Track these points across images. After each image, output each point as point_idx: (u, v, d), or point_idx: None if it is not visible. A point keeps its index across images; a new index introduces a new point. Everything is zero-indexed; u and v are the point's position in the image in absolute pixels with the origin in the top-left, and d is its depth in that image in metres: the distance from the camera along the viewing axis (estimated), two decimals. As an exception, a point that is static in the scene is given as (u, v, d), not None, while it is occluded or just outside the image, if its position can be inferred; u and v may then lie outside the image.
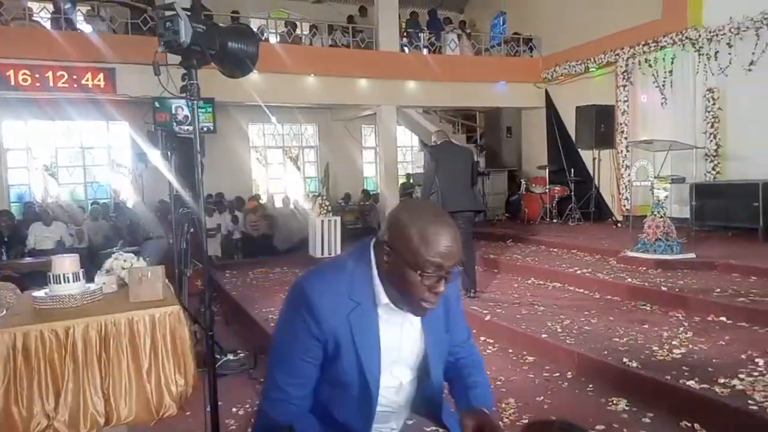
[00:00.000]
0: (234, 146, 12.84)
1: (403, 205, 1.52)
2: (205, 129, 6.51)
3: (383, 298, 1.47)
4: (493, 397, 1.67)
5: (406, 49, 12.03)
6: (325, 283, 1.47)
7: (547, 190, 10.91)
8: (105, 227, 9.54)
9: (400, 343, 1.54)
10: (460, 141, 13.93)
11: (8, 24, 9.25)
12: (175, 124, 6.53)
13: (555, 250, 7.71)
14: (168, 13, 2.36)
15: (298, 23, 11.90)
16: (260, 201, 12.01)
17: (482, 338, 4.56)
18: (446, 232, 1.38)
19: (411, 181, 13.60)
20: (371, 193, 13.20)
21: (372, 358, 1.47)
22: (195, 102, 2.56)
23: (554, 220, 10.63)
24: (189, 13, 2.32)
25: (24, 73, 8.84)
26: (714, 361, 3.52)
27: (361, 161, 15.11)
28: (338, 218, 9.19)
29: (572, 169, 10.74)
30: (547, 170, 11.20)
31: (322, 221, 8.91)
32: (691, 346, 3.84)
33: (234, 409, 3.72)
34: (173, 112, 6.47)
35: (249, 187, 13.38)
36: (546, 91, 12.36)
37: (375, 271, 1.47)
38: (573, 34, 11.33)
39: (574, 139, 10.75)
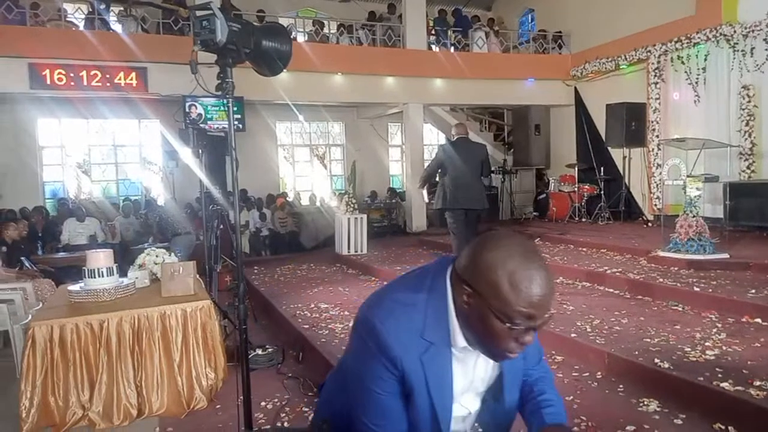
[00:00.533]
0: (262, 144, 12.97)
1: (489, 239, 1.30)
2: (234, 127, 6.55)
3: (460, 340, 1.35)
4: (567, 415, 1.59)
5: (434, 47, 11.99)
6: (396, 320, 1.32)
7: (576, 189, 10.78)
8: (136, 223, 9.73)
9: (473, 377, 1.45)
10: (488, 139, 13.87)
11: (44, 25, 9.49)
12: (188, 122, 6.61)
13: (584, 249, 7.61)
14: (204, 12, 2.40)
15: (325, 22, 11.96)
16: (287, 198, 12.11)
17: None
18: (540, 278, 1.21)
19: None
20: (397, 191, 13.19)
21: (445, 400, 1.38)
22: (231, 100, 2.60)
23: (583, 219, 10.50)
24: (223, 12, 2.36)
25: (59, 73, 9.06)
26: (749, 363, 3.44)
27: (387, 159, 15.12)
28: (364, 216, 9.21)
29: (602, 168, 10.59)
30: (576, 169, 11.07)
31: (349, 219, 8.95)
32: (724, 347, 3.75)
33: (263, 404, 3.75)
34: (187, 110, 6.55)
35: (276, 184, 13.50)
36: (575, 88, 12.21)
37: (452, 309, 1.33)
38: (603, 30, 11.17)
39: (604, 137, 10.60)
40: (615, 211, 10.24)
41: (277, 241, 10.64)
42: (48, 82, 9.01)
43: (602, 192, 10.37)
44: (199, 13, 2.41)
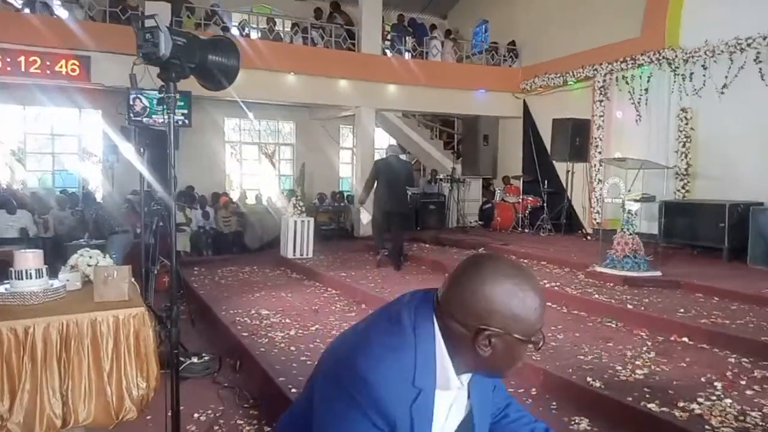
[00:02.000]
0: (209, 140, 12.69)
1: (483, 277, 1.25)
2: (179, 123, 6.39)
3: (453, 380, 1.30)
4: None
5: (388, 52, 12.03)
6: (388, 369, 1.23)
7: (520, 200, 11.03)
8: (71, 218, 9.33)
9: (446, 418, 1.38)
10: (438, 147, 14.03)
11: (-20, 5, 9.00)
12: (132, 115, 6.41)
13: (526, 261, 7.78)
14: (148, 24, 2.31)
15: (278, 20, 11.81)
16: (231, 198, 11.89)
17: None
18: (536, 288, 1.25)
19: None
20: (346, 194, 13.16)
21: None
22: (172, 115, 2.53)
23: (526, 230, 10.75)
24: (168, 26, 2.28)
25: (-5, 57, 8.60)
26: (675, 383, 3.59)
27: (337, 161, 15.07)
28: (311, 219, 9.14)
29: (546, 181, 10.87)
30: (522, 180, 11.32)
31: (295, 221, 8.85)
32: (653, 366, 3.90)
33: (196, 415, 3.66)
34: (131, 103, 6.36)
35: (222, 182, 13.24)
36: (524, 101, 12.50)
37: (441, 350, 1.28)
38: (553, 46, 11.48)
39: (549, 150, 10.88)
40: (556, 223, 10.54)
41: (220, 241, 10.43)
42: (-17, 66, 8.55)
43: (545, 204, 10.65)
44: (147, 24, 2.33)
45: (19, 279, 3.70)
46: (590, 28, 10.71)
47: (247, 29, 11.26)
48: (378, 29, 11.62)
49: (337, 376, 1.26)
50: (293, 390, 3.66)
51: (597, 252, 7.01)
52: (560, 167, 10.84)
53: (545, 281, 6.35)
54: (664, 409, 3.16)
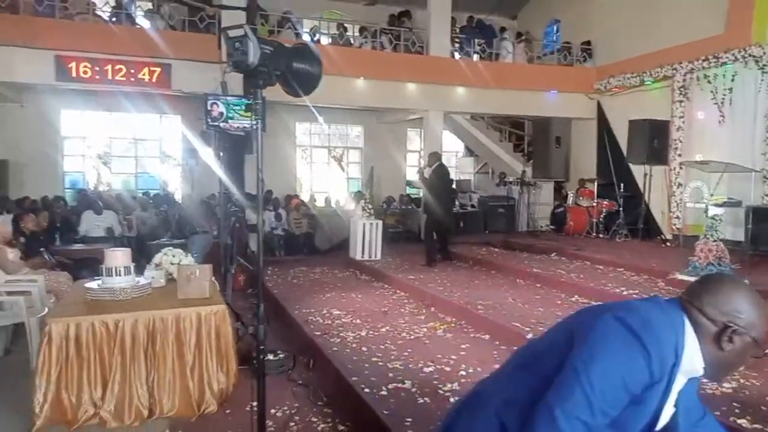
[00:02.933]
0: (281, 145, 13.01)
1: (735, 285, 1.54)
2: (254, 127, 6.58)
3: (697, 363, 1.48)
4: None
5: (457, 55, 11.95)
6: (663, 324, 1.44)
7: (594, 204, 10.67)
8: (153, 218, 9.79)
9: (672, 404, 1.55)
10: (507, 149, 13.85)
11: (73, 18, 9.59)
12: (210, 120, 6.65)
13: (600, 267, 7.53)
14: (237, 33, 2.40)
15: (348, 26, 11.97)
16: (302, 200, 12.13)
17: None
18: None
19: (454, 186, 13.53)
20: (413, 197, 13.16)
21: (664, 418, 1.47)
22: (260, 121, 2.62)
23: (600, 235, 10.39)
24: (254, 27, 2.36)
25: (85, 66, 9.15)
26: (767, 398, 3.37)
27: (404, 164, 15.10)
28: (380, 222, 9.19)
29: (622, 184, 10.47)
30: (596, 183, 10.96)
31: (364, 224, 8.93)
32: (742, 380, 3.68)
33: (272, 411, 3.74)
34: (208, 108, 6.60)
35: (293, 185, 13.54)
36: (598, 102, 12.11)
37: (690, 342, 1.47)
38: (629, 45, 11.07)
39: (625, 153, 10.49)
40: (633, 228, 10.12)
41: (291, 242, 10.66)
42: (73, 74, 9.11)
43: (621, 208, 10.26)
44: (231, 33, 2.42)
45: (109, 276, 3.93)
46: (669, 25, 10.25)
47: (317, 35, 11.49)
48: (446, 32, 11.57)
49: (619, 318, 1.41)
50: (366, 390, 3.69)
51: (678, 259, 6.69)
52: (637, 170, 10.42)
53: (622, 289, 6.12)
54: (756, 426, 2.98)
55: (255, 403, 3.66)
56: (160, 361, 3.63)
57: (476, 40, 12.29)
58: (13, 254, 5.78)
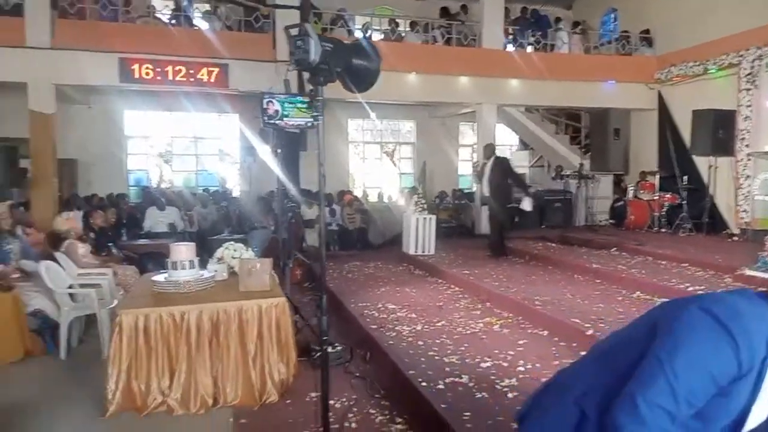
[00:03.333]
0: (334, 141, 13.13)
1: None
2: (309, 124, 6.68)
3: None
4: None
5: (511, 47, 11.76)
6: (752, 315, 1.35)
7: (656, 197, 10.31)
8: (214, 213, 10.09)
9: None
10: (564, 141, 13.57)
11: (134, 21, 9.97)
12: (266, 118, 6.76)
13: (663, 262, 7.28)
14: (297, 31, 2.45)
15: (400, 21, 11.96)
16: (355, 195, 12.23)
17: (582, 353, 4.39)
18: None
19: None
20: (466, 192, 13.07)
21: (756, 416, 1.37)
22: (321, 117, 2.67)
23: (662, 230, 10.04)
24: (315, 21, 2.39)
25: (147, 67, 9.49)
26: None
27: (456, 159, 15.00)
28: (434, 216, 9.15)
29: (685, 176, 10.08)
30: (657, 176, 10.59)
31: (417, 219, 8.93)
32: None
33: (331, 402, 3.79)
34: (264, 106, 6.72)
35: (346, 180, 13.66)
36: (659, 92, 11.69)
37: None
38: (691, 32, 10.63)
39: (688, 144, 10.09)
40: (697, 222, 9.72)
41: (345, 237, 10.77)
42: (136, 76, 9.46)
43: (684, 202, 9.87)
44: (293, 32, 2.46)
45: (174, 269, 4.08)
46: (734, 11, 9.76)
47: (370, 31, 11.53)
48: (500, 24, 11.40)
49: (705, 309, 1.34)
50: (423, 383, 3.70)
51: (745, 254, 6.39)
52: (701, 162, 10.02)
53: (687, 284, 5.90)
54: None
55: (314, 394, 3.76)
56: (224, 352, 3.75)
57: (531, 31, 12.05)
58: (83, 249, 6.08)
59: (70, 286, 5.16)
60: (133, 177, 12.72)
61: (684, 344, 1.31)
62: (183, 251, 4.11)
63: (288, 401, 3.83)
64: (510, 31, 11.95)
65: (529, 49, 11.96)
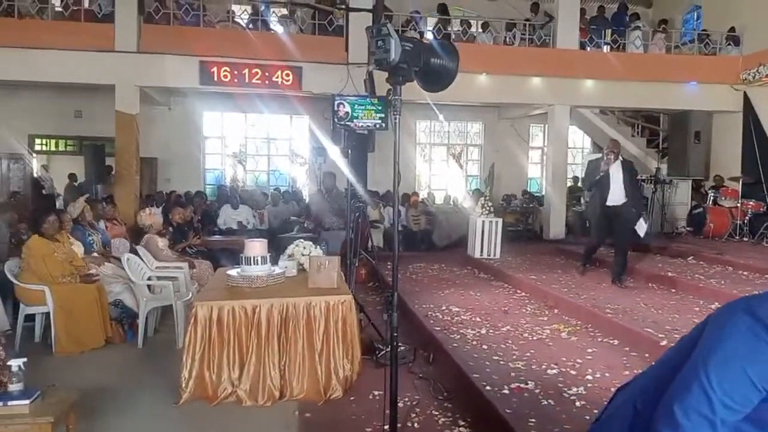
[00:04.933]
0: (401, 142, 13.19)
1: None
2: (377, 126, 6.75)
3: None
4: None
5: (588, 47, 11.42)
6: None
7: (738, 204, 9.76)
8: (284, 212, 10.35)
9: None
10: (640, 145, 13.09)
11: (214, 26, 10.38)
12: (336, 120, 6.88)
13: (745, 273, 6.89)
14: (379, 32, 2.49)
15: (472, 21, 11.87)
16: (421, 197, 12.21)
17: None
18: None
19: (579, 185, 13.01)
20: (535, 195, 12.81)
21: None
22: (399, 116, 2.71)
23: (745, 239, 9.49)
24: (390, 21, 2.43)
25: (225, 70, 9.84)
26: None
27: (526, 161, 14.73)
28: (500, 220, 9.04)
29: (772, 183, 9.50)
30: (741, 182, 10.03)
31: (483, 221, 8.84)
32: None
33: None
34: (335, 108, 6.85)
35: (412, 182, 13.69)
36: (745, 93, 11.05)
37: None
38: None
39: (777, 149, 9.51)
40: (783, 231, 9.14)
41: (409, 238, 10.78)
42: (215, 78, 9.83)
43: (769, 209, 9.30)
44: (374, 32, 2.51)
45: (248, 264, 4.23)
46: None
47: (441, 33, 11.50)
48: (575, 23, 11.10)
49: (748, 309, 1.28)
50: (487, 387, 3.67)
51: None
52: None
53: (772, 297, 5.55)
54: None
55: (377, 392, 3.81)
56: (292, 346, 3.85)
57: (607, 31, 11.68)
58: (162, 243, 6.40)
59: (149, 279, 5.45)
60: (209, 176, 13.24)
61: (719, 347, 1.26)
62: (256, 247, 4.26)
63: (352, 398, 3.89)
64: (587, 31, 11.62)
65: (606, 48, 11.60)
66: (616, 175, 6.55)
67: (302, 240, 4.89)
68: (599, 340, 4.82)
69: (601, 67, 10.83)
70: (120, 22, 9.47)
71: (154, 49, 9.51)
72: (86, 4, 10.09)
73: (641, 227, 6.73)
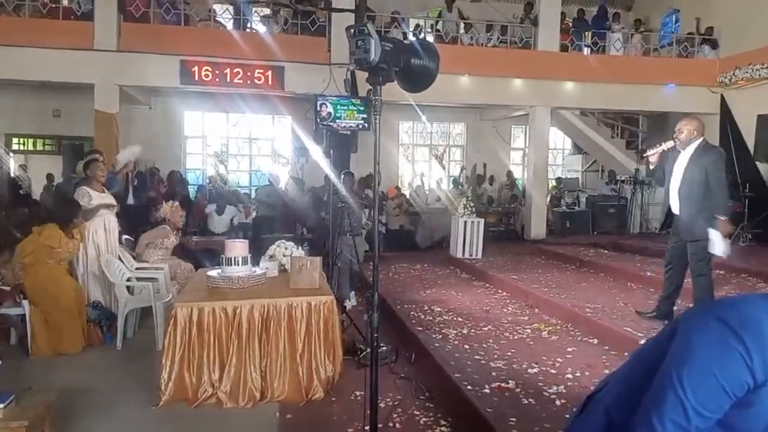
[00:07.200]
0: (383, 143, 13.12)
1: None
2: (360, 126, 6.75)
3: None
4: None
5: (569, 49, 11.52)
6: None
7: (714, 205, 9.91)
8: (267, 213, 10.24)
9: None
10: (620, 146, 13.24)
11: (196, 25, 10.29)
12: (319, 120, 6.88)
13: (722, 272, 6.95)
14: (358, 31, 2.49)
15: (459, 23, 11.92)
16: (402, 192, 12.20)
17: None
18: None
19: (561, 185, 13.17)
20: (516, 195, 12.90)
21: None
22: (379, 116, 2.71)
23: (722, 239, 9.64)
24: (376, 25, 2.43)
25: (206, 69, 9.78)
26: None
27: (507, 162, 14.82)
28: (482, 220, 9.09)
29: (746, 184, 9.65)
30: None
31: (466, 222, 8.88)
32: None
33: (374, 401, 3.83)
34: (317, 108, 6.86)
35: (395, 183, 13.69)
36: (722, 96, 11.24)
37: None
38: (758, 33, 10.18)
39: (752, 150, 9.67)
40: (758, 232, 9.30)
41: (391, 238, 10.77)
42: (196, 78, 9.75)
43: (745, 210, 9.46)
44: (353, 31, 2.51)
45: (228, 265, 4.20)
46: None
47: (423, 33, 11.54)
48: (556, 26, 11.21)
49: (718, 315, 1.27)
50: (469, 387, 3.69)
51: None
52: (765, 169, 9.59)
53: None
54: None
55: (359, 393, 3.81)
56: (273, 347, 3.83)
57: (587, 33, 11.80)
58: (170, 241, 6.27)
59: (128, 279, 5.39)
60: (190, 176, 13.11)
61: (691, 354, 1.27)
62: (237, 248, 4.23)
63: (333, 399, 3.89)
64: (569, 32, 11.72)
65: (586, 51, 11.73)
66: (685, 162, 4.70)
67: (283, 240, 4.87)
68: (579, 339, 4.86)
69: (581, 69, 10.96)
70: (99, 20, 9.36)
71: (134, 48, 9.40)
72: (65, 2, 9.95)
73: (718, 244, 4.45)
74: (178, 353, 3.71)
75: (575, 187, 13.30)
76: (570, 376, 3.92)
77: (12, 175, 12.00)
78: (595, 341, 4.77)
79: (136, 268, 5.72)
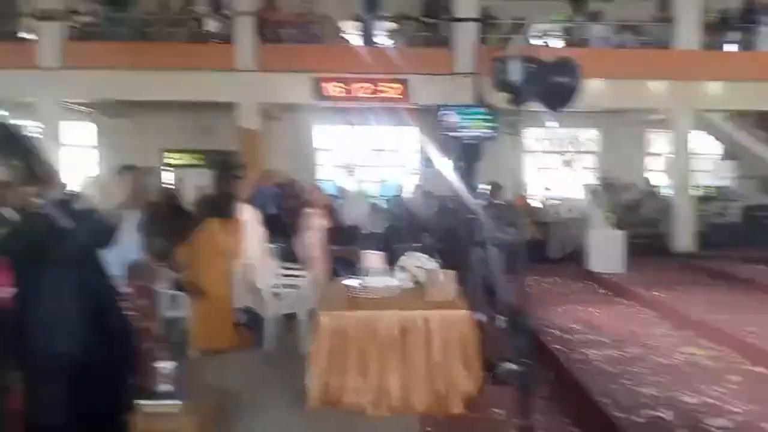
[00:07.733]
0: (509, 151, 12.86)
1: None
2: (485, 136, 6.64)
3: None
4: None
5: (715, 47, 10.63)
6: None
7: None
8: (397, 223, 10.34)
9: None
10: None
11: (324, 43, 10.72)
12: (443, 129, 6.85)
13: None
14: (504, 53, 2.45)
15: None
16: (528, 202, 11.84)
17: None
18: None
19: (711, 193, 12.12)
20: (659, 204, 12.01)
21: None
22: (518, 137, 2.64)
23: None
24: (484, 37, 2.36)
25: (335, 86, 10.17)
26: None
27: (646, 169, 13.87)
28: (622, 231, 8.54)
29: None
30: None
31: (603, 233, 8.42)
32: None
33: (515, 420, 3.71)
34: (440, 118, 6.83)
35: (522, 191, 13.31)
36: None
37: None
38: None
39: None
40: None
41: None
42: (326, 93, 10.17)
43: None
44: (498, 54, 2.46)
45: (365, 275, 4.30)
46: None
47: (547, 39, 11.15)
48: (696, 22, 10.36)
49: None
50: (618, 414, 3.45)
51: None
52: None
53: None
54: None
55: (498, 410, 3.71)
56: (412, 359, 3.84)
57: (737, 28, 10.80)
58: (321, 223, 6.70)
59: (275, 286, 5.67)
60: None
61: None
62: (374, 259, 4.32)
63: (473, 414, 3.80)
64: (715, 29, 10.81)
65: (734, 47, 10.73)
66: None
67: (414, 252, 4.89)
68: (743, 367, 4.38)
69: (728, 67, 10.05)
70: (239, 42, 10.04)
71: (271, 67, 9.98)
72: (211, 28, 10.80)
73: None
74: (323, 360, 3.82)
75: (726, 196, 12.16)
76: (736, 409, 3.53)
77: (169, 187, 13.11)
78: (764, 371, 4.27)
79: (283, 275, 5.95)
